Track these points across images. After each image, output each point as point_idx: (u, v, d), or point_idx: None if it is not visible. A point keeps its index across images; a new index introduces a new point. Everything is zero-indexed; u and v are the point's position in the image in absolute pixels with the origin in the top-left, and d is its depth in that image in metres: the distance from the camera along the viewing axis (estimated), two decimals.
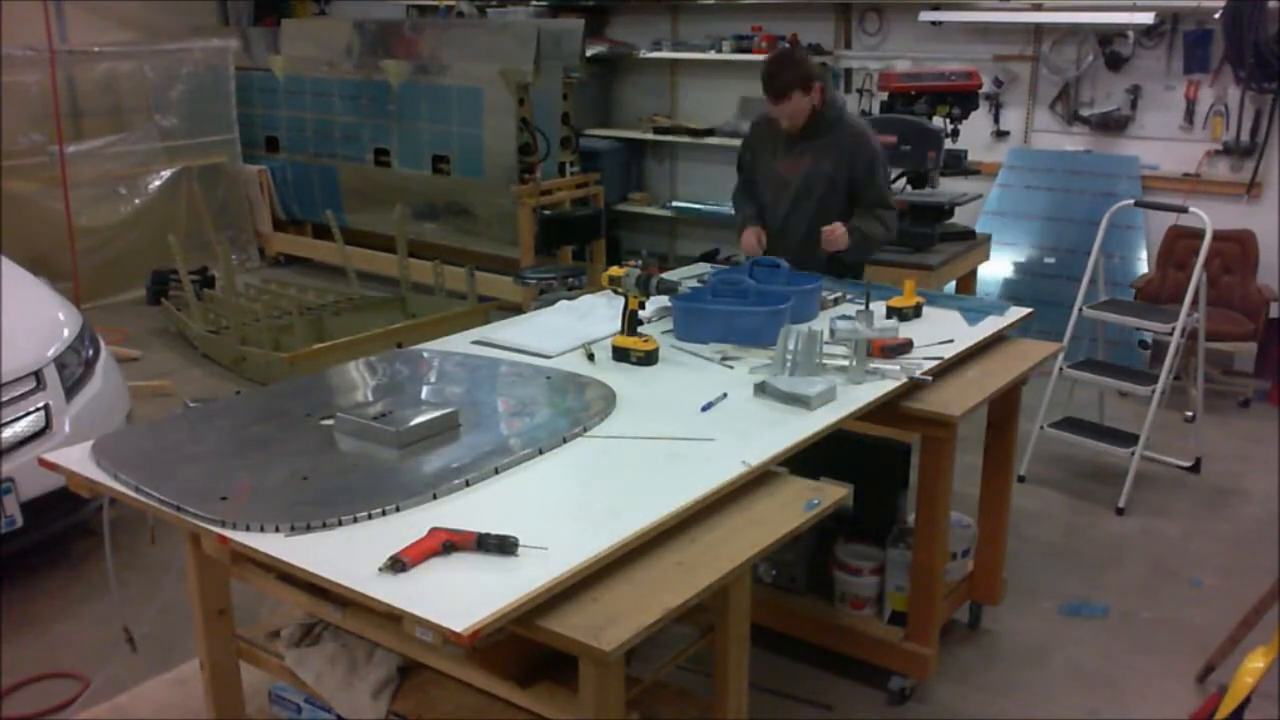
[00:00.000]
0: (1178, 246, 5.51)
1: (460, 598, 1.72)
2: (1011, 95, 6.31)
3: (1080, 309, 4.59)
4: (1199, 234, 4.39)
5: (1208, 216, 4.38)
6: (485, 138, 6.94)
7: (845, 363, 2.76)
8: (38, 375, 3.67)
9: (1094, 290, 4.70)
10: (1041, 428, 4.55)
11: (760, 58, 6.84)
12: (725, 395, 2.61)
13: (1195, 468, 4.53)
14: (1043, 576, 3.79)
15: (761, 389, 2.63)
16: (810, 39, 6.84)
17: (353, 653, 2.44)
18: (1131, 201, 4.69)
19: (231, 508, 2.02)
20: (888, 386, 2.72)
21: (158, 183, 7.71)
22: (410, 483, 2.12)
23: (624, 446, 2.34)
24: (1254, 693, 2.47)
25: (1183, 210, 4.53)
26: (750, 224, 3.84)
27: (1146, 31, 5.73)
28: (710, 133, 7.30)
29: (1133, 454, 4.32)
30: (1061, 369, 4.56)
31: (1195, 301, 4.36)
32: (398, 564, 1.80)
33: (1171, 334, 4.35)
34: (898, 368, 2.80)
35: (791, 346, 2.70)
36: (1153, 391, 4.33)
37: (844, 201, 3.74)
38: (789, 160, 3.76)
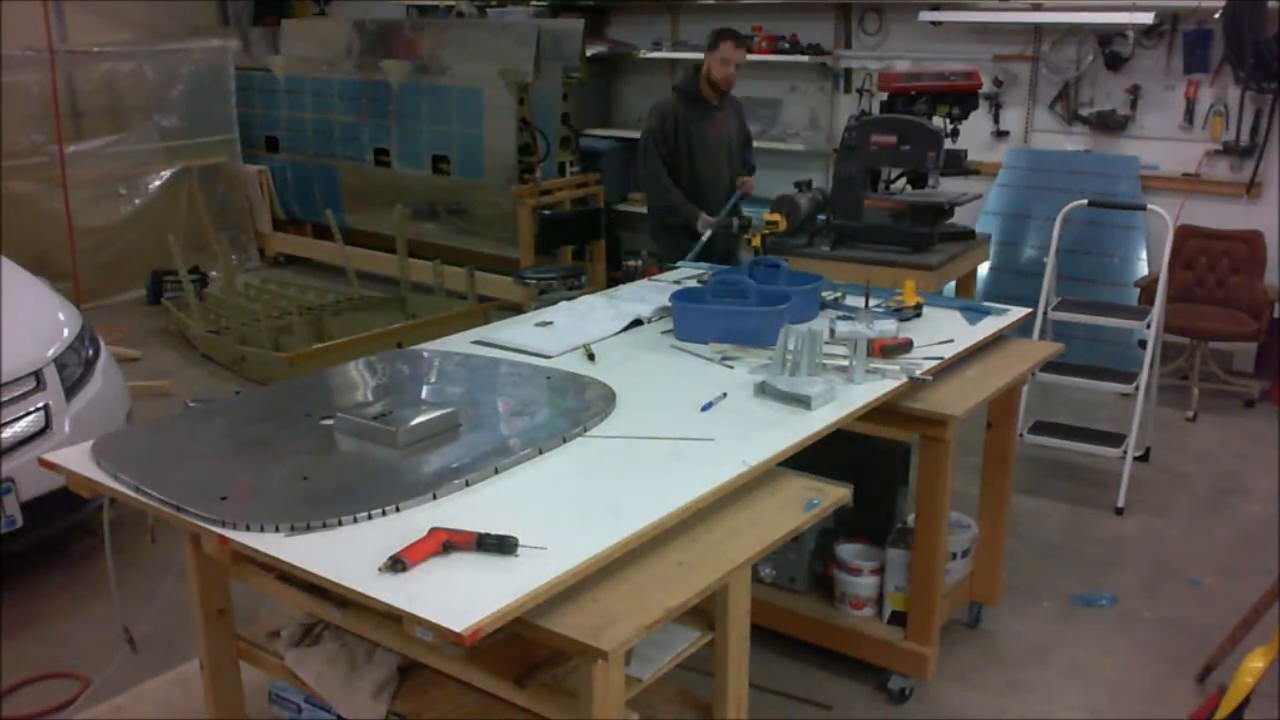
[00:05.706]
0: (1185, 246, 5.50)
1: (460, 598, 1.72)
2: (1011, 95, 6.31)
3: (1045, 313, 4.55)
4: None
5: (1166, 215, 4.37)
6: (485, 138, 6.94)
7: (845, 363, 2.76)
8: (38, 375, 3.67)
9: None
10: (1021, 435, 4.53)
11: (760, 58, 6.89)
12: (725, 395, 2.61)
13: (1144, 457, 4.67)
14: (1043, 576, 3.79)
15: (761, 389, 2.63)
16: (810, 39, 6.83)
17: (353, 653, 2.44)
18: (1085, 201, 4.65)
19: (231, 508, 2.01)
20: (887, 386, 2.72)
21: (158, 183, 7.71)
22: (410, 483, 2.12)
23: (624, 446, 2.34)
24: (1254, 692, 2.47)
25: (1141, 208, 4.54)
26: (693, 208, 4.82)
27: (1146, 31, 5.73)
28: None
29: (1124, 453, 4.32)
30: (1034, 374, 4.53)
31: (1164, 298, 4.34)
32: (398, 564, 1.80)
33: (1145, 330, 4.32)
34: (897, 368, 2.80)
35: (791, 346, 2.70)
36: (1136, 388, 4.33)
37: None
38: (713, 126, 4.91)
